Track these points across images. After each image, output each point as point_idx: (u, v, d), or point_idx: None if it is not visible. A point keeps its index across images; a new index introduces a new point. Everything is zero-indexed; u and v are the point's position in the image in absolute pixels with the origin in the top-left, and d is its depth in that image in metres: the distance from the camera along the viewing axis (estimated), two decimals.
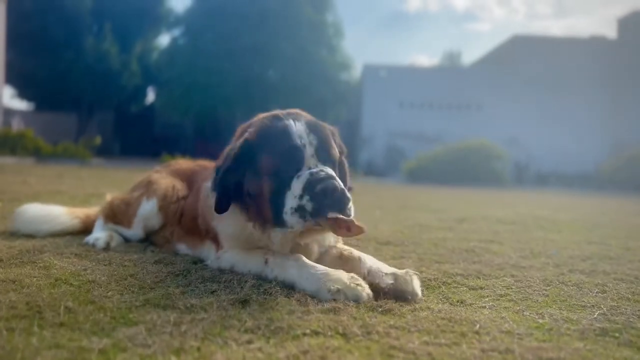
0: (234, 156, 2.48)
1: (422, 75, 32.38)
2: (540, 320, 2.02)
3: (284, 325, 1.80)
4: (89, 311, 1.87)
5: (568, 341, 1.80)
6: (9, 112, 29.99)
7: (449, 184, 18.38)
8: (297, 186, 2.28)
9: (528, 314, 2.12)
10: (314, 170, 2.30)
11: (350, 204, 2.29)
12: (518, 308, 2.20)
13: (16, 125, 24.68)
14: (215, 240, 2.78)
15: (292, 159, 2.35)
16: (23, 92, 37.24)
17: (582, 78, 29.96)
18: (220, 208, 2.49)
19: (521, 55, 30.51)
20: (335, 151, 2.49)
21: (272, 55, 31.79)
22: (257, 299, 2.09)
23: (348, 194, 2.29)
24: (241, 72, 31.74)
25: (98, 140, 23.06)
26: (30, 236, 3.34)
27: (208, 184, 2.85)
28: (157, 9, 37.32)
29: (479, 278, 2.77)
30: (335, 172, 2.40)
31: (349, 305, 2.06)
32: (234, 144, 2.56)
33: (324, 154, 2.40)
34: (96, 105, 36.80)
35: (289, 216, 2.30)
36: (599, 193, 17.29)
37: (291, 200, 2.28)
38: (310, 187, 2.24)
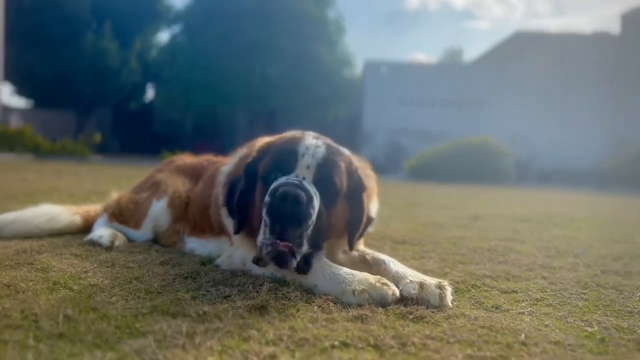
0: (244, 173, 2.40)
1: (423, 72, 32.14)
2: (589, 329, 1.84)
3: (308, 336, 1.61)
4: (91, 320, 1.68)
5: (626, 353, 1.62)
6: (7, 110, 29.73)
7: (452, 181, 18.18)
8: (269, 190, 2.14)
9: (572, 320, 1.94)
10: (294, 177, 2.16)
11: (310, 223, 2.09)
12: (559, 314, 2.02)
13: (15, 123, 24.44)
14: (227, 233, 2.61)
15: (284, 162, 2.22)
16: (22, 89, 36.96)
17: (585, 74, 29.73)
18: (240, 229, 2.40)
19: (524, 52, 30.25)
20: (340, 180, 2.28)
21: (272, 53, 31.53)
22: (276, 305, 1.90)
23: (310, 212, 2.08)
24: (241, 69, 31.48)
25: (98, 137, 22.82)
26: (27, 236, 3.13)
27: (224, 169, 2.70)
28: (156, 5, 37.03)
29: (509, 280, 2.58)
30: (335, 201, 2.25)
31: (376, 312, 1.88)
32: (253, 155, 2.46)
33: (321, 174, 2.22)
34: (95, 102, 36.51)
35: (260, 233, 2.17)
36: (603, 190, 17.11)
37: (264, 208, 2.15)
38: (272, 191, 2.09)
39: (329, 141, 2.44)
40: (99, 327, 1.62)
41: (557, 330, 1.80)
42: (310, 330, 1.68)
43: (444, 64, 43.16)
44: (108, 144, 33.91)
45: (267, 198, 2.09)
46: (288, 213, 2.05)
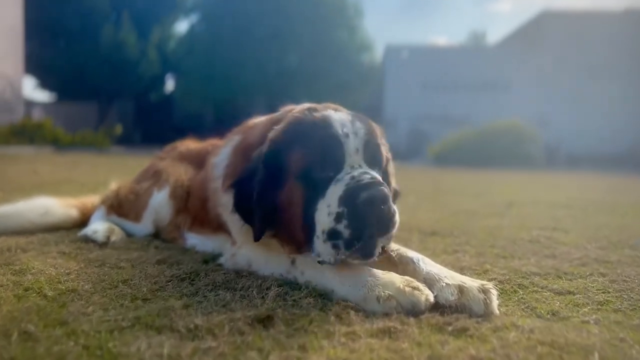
0: (263, 166, 1.90)
1: (445, 56, 31.28)
2: None
3: (322, 359, 1.27)
4: (55, 338, 1.37)
5: None
6: (30, 104, 29.95)
7: (477, 166, 17.63)
8: (333, 194, 1.73)
9: None
10: (356, 172, 1.76)
11: (396, 219, 1.77)
12: (634, 323, 1.64)
13: (38, 117, 24.57)
14: (228, 231, 2.27)
15: (329, 153, 1.80)
16: (45, 83, 37.26)
17: (615, 54, 28.52)
18: (260, 237, 1.95)
19: (550, 31, 29.13)
20: (384, 151, 1.97)
21: (291, 40, 31.04)
22: (284, 316, 1.56)
23: (395, 208, 1.76)
24: (260, 58, 31.09)
25: (119, 129, 22.77)
26: (19, 231, 2.84)
27: (215, 161, 2.35)
28: None
29: (561, 278, 2.20)
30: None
31: (407, 324, 1.52)
32: (260, 149, 1.97)
33: (371, 151, 1.86)
34: (116, 94, 36.61)
35: (319, 242, 1.77)
36: (637, 175, 16.38)
37: (324, 217, 1.74)
38: (350, 198, 1.68)
39: (344, 109, 2.08)
40: (63, 348, 1.30)
41: (637, 346, 1.42)
42: (326, 350, 1.33)
43: (467, 47, 42.02)
44: (130, 136, 33.98)
45: (339, 208, 1.69)
46: (376, 219, 1.70)
